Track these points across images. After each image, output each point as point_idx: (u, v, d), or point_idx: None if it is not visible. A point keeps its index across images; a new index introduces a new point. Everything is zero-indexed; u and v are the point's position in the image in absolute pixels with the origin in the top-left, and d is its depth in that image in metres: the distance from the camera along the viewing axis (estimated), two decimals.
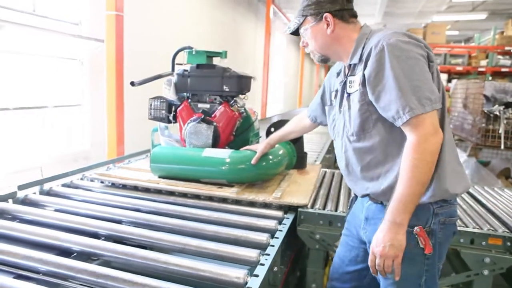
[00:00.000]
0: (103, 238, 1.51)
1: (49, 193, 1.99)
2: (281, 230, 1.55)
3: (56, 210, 1.76)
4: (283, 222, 1.65)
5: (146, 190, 2.01)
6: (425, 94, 1.18)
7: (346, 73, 1.42)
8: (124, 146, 4.06)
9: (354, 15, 1.42)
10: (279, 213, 1.73)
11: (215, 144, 2.22)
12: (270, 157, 2.06)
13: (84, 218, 1.61)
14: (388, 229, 1.21)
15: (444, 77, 9.30)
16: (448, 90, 8.75)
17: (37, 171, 3.47)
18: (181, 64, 2.39)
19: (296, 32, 1.50)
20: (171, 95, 2.35)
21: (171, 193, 1.98)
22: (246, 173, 1.98)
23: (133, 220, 1.65)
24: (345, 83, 1.41)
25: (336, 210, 1.88)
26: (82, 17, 4.06)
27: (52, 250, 1.36)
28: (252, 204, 1.83)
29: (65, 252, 1.36)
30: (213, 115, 2.26)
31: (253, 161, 1.92)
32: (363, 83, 1.29)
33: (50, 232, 1.45)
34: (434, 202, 1.30)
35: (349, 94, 1.38)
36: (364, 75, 1.28)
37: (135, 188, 2.04)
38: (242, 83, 2.28)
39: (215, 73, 2.26)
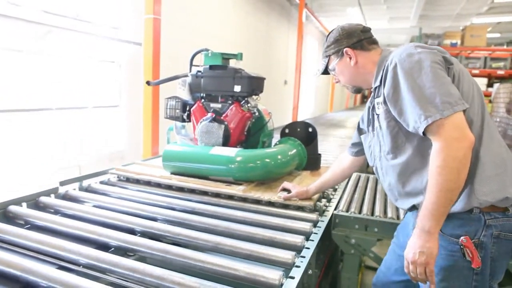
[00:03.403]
0: (138, 234, 1.53)
1: (87, 189, 2.06)
2: (316, 233, 1.52)
3: (94, 206, 1.82)
4: (317, 225, 1.62)
5: (168, 186, 2.05)
6: (443, 99, 1.15)
7: (373, 95, 1.43)
8: (159, 146, 4.15)
9: (374, 42, 1.49)
10: (313, 216, 1.70)
11: (226, 142, 2.23)
12: (279, 156, 2.04)
13: (120, 215, 1.65)
14: (418, 236, 1.18)
15: (483, 81, 8.92)
16: (489, 95, 8.37)
17: (76, 169, 3.60)
18: (198, 66, 2.42)
19: (326, 72, 1.59)
20: (185, 95, 2.39)
21: (192, 190, 1.99)
22: (252, 172, 1.98)
23: (168, 218, 1.67)
24: (373, 106, 1.42)
25: (372, 215, 1.83)
26: (121, 21, 4.19)
27: (91, 244, 1.40)
28: (286, 206, 1.81)
29: (103, 246, 1.40)
30: (224, 115, 2.28)
31: (283, 197, 1.78)
32: (385, 101, 1.30)
33: (89, 226, 1.49)
34: (487, 213, 1.21)
35: (378, 115, 1.39)
36: (384, 94, 1.31)
37: (149, 183, 2.10)
38: (254, 84, 2.28)
39: (226, 74, 2.28)
